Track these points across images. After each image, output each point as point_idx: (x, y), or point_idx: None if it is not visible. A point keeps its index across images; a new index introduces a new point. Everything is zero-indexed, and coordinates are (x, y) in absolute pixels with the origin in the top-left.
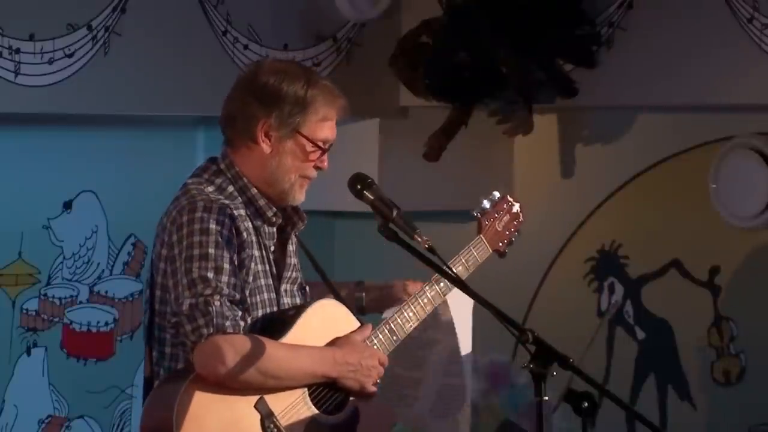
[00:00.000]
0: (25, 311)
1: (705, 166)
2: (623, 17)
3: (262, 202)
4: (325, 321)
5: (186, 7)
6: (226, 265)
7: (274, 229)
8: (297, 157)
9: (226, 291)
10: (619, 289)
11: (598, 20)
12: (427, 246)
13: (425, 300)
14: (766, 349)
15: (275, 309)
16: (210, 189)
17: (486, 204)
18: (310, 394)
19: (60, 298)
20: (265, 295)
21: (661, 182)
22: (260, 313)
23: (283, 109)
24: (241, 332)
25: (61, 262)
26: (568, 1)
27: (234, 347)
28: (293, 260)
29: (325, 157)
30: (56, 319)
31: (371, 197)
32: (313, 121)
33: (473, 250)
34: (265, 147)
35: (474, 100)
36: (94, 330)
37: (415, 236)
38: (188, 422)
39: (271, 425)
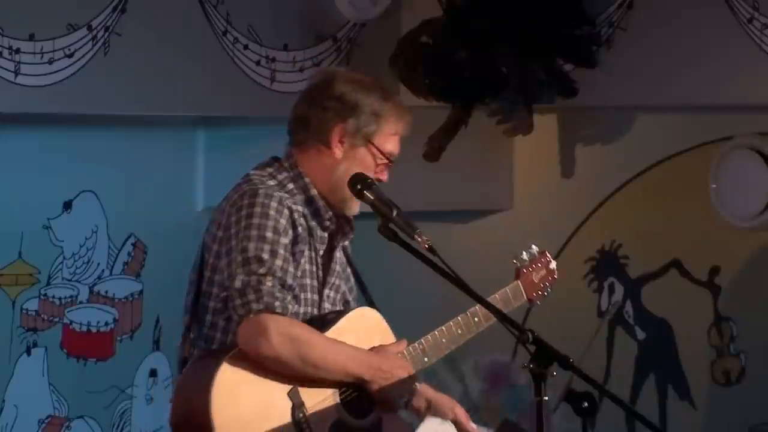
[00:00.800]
0: (25, 311)
1: (705, 166)
2: (623, 17)
3: (321, 203)
4: (363, 328)
5: (186, 7)
6: (281, 251)
7: (326, 234)
8: (364, 166)
9: (279, 273)
10: (619, 289)
11: (598, 20)
12: (427, 246)
13: (460, 331)
14: (766, 349)
15: (316, 311)
16: (271, 182)
17: (525, 256)
18: (340, 394)
19: (60, 298)
20: (309, 295)
21: (661, 182)
22: (302, 310)
23: (360, 117)
24: (289, 316)
25: (61, 262)
26: (568, 1)
27: (280, 328)
28: (338, 268)
29: (387, 171)
30: (56, 319)
31: (371, 197)
32: (385, 133)
33: (509, 293)
34: (338, 152)
35: (474, 100)
36: (94, 330)
37: (415, 236)
38: (224, 397)
39: (300, 415)
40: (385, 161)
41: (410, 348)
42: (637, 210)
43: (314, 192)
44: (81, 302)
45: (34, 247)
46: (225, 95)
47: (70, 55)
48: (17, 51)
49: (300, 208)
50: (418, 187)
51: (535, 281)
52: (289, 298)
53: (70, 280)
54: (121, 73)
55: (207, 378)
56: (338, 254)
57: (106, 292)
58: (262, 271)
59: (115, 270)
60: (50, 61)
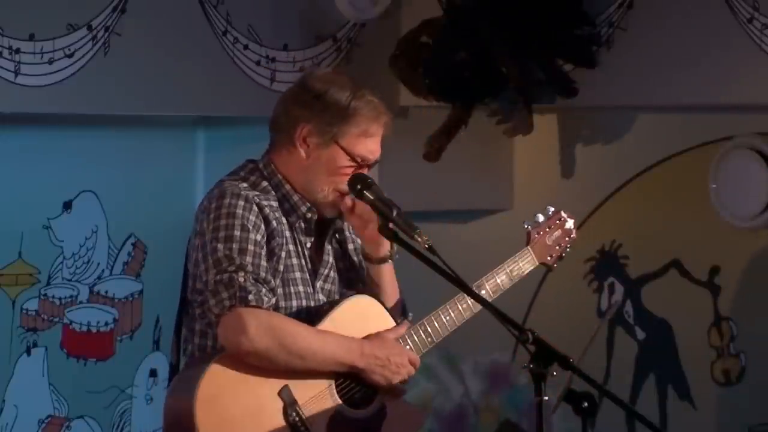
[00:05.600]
0: (25, 311)
1: (705, 166)
2: (623, 17)
3: (295, 197)
4: (360, 317)
5: (186, 7)
6: (251, 247)
7: (312, 226)
8: (331, 170)
9: (250, 269)
10: (619, 289)
11: (598, 20)
12: (427, 246)
13: (464, 305)
14: (766, 349)
15: (311, 303)
16: (243, 185)
17: (540, 217)
18: (336, 386)
19: (60, 298)
20: (301, 288)
21: (661, 182)
22: (295, 304)
23: (324, 116)
24: (264, 307)
25: (61, 262)
26: (568, 1)
27: (257, 319)
28: (330, 259)
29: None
30: (56, 319)
31: (371, 197)
32: (353, 133)
33: (519, 261)
34: (302, 152)
35: (474, 100)
36: (94, 330)
37: (415, 236)
38: (209, 407)
39: (294, 413)
40: (355, 165)
41: (411, 331)
42: (637, 210)
43: (288, 188)
44: (81, 302)
45: (34, 247)
46: (225, 95)
47: (70, 55)
48: (17, 51)
49: (274, 204)
50: (418, 187)
51: (549, 244)
52: (264, 290)
53: (70, 280)
54: (121, 73)
55: (190, 390)
56: (330, 246)
57: (106, 292)
58: (232, 268)
59: (115, 270)
60: (50, 61)
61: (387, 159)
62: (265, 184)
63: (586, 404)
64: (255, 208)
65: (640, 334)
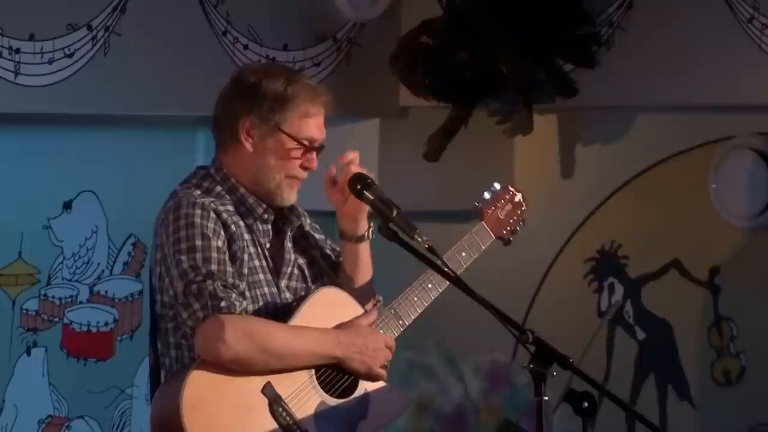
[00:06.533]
0: (25, 311)
1: (705, 166)
2: (623, 17)
3: (251, 200)
4: (329, 308)
5: (186, 7)
6: (215, 254)
7: (269, 227)
8: (280, 156)
9: (217, 276)
10: (619, 289)
11: (598, 20)
12: (427, 246)
13: (430, 285)
14: (766, 349)
15: (278, 303)
16: (197, 192)
17: (487, 195)
18: (317, 378)
19: (60, 298)
20: (266, 290)
21: (661, 182)
22: (262, 306)
23: (263, 106)
24: (237, 312)
25: (61, 262)
26: (568, 1)
27: (233, 326)
28: (292, 257)
29: (313, 156)
30: (56, 319)
31: (371, 197)
32: (294, 117)
33: (475, 236)
34: (248, 146)
35: (474, 100)
36: (94, 330)
37: (415, 236)
38: (196, 411)
39: (280, 409)
40: (303, 148)
41: (382, 316)
42: (637, 210)
43: (242, 191)
44: (81, 302)
45: (34, 247)
46: None
47: (70, 55)
48: (17, 51)
49: (230, 208)
50: (418, 187)
51: (501, 218)
52: (234, 295)
53: (70, 280)
54: (121, 73)
55: (175, 396)
56: (290, 244)
57: (106, 292)
58: (199, 278)
59: (115, 270)
60: (50, 61)
61: (387, 159)
62: (219, 188)
63: (586, 404)
64: (212, 214)
65: (640, 334)
